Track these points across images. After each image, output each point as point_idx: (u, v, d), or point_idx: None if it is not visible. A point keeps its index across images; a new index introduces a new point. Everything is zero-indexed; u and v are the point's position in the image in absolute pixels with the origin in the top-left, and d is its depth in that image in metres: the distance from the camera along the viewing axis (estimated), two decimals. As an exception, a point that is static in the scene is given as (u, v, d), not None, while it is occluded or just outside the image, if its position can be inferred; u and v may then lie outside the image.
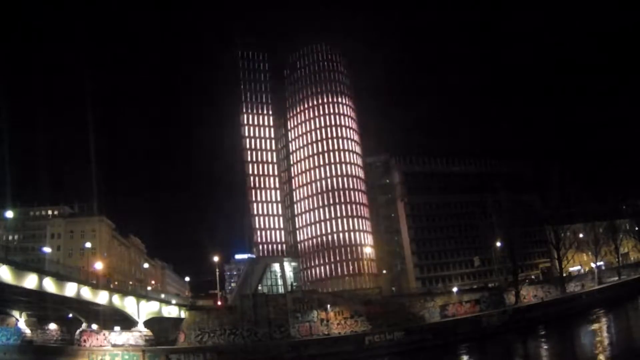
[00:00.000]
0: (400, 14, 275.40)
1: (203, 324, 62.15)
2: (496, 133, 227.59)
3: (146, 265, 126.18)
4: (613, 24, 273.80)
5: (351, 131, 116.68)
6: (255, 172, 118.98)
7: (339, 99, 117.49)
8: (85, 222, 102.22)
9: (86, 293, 48.57)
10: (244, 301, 66.70)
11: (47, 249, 73.89)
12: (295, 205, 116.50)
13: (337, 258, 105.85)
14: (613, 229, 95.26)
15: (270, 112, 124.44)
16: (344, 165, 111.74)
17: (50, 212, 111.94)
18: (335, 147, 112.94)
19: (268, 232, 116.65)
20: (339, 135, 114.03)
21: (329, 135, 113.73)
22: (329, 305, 65.93)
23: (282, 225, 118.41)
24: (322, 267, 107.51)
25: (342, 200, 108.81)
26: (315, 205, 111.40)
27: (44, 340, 61.29)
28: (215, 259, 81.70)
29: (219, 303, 77.78)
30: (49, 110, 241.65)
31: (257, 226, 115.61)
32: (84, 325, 57.22)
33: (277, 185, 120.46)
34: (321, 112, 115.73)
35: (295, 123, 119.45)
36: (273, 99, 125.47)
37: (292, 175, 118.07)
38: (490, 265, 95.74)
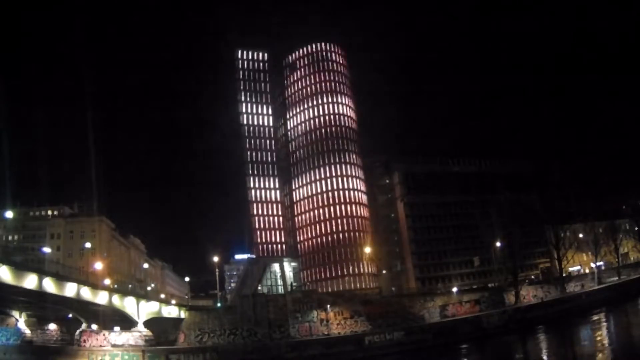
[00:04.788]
0: (401, 14, 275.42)
1: (203, 324, 62.18)
2: (496, 133, 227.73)
3: (146, 265, 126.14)
4: (613, 23, 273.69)
5: (351, 131, 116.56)
6: (255, 172, 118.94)
7: (339, 99, 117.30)
8: (85, 222, 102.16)
9: (86, 293, 48.59)
10: (244, 301, 66.66)
11: (47, 249, 73.86)
12: (295, 205, 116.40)
13: (337, 258, 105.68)
14: (613, 229, 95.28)
15: (270, 112, 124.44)
16: (344, 165, 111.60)
17: (50, 212, 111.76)
18: (335, 147, 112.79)
19: (268, 232, 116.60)
20: (339, 135, 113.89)
21: (329, 135, 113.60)
22: (328, 306, 65.94)
23: (282, 225, 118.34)
24: (322, 267, 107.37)
25: (342, 200, 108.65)
26: (315, 205, 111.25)
27: (43, 340, 61.29)
28: (215, 259, 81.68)
29: (219, 304, 77.84)
30: (49, 110, 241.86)
31: (256, 226, 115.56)
32: (83, 326, 57.20)
33: (277, 185, 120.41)
34: (321, 112, 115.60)
35: (295, 123, 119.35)
36: (273, 99, 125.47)
37: (292, 175, 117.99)
38: (490, 265, 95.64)
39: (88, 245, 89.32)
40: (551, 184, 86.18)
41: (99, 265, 66.54)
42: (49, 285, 43.64)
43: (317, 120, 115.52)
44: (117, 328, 57.23)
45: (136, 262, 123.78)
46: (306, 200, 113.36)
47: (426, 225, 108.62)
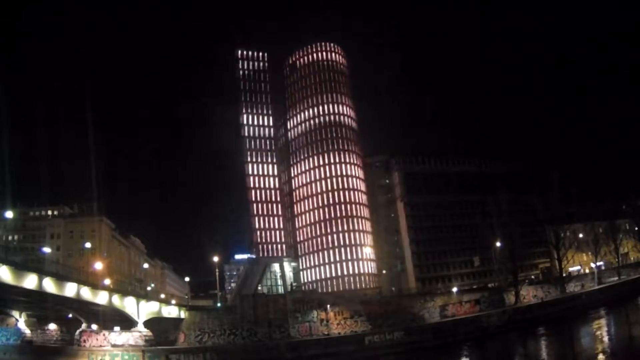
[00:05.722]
0: (401, 14, 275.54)
1: (203, 324, 62.21)
2: (496, 133, 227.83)
3: (146, 265, 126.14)
4: (613, 24, 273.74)
5: (351, 131, 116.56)
6: (255, 172, 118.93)
7: (339, 99, 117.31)
8: (85, 222, 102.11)
9: (86, 293, 48.56)
10: (244, 301, 66.69)
11: (46, 249, 73.82)
12: (295, 206, 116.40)
13: (337, 258, 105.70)
14: (613, 229, 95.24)
15: (270, 112, 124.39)
16: (344, 165, 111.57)
17: (50, 212, 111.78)
18: (335, 147, 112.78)
19: (268, 232, 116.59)
20: (339, 135, 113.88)
21: (329, 135, 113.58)
22: (328, 306, 65.95)
23: (282, 226, 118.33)
24: (322, 267, 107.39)
25: (342, 200, 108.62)
26: (315, 206, 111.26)
27: (43, 340, 61.25)
28: (215, 259, 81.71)
29: (219, 304, 77.83)
30: (49, 110, 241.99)
31: (256, 226, 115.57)
32: (83, 326, 57.20)
33: (277, 185, 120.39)
34: (321, 112, 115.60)
35: (295, 123, 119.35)
36: (273, 99, 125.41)
37: (292, 175, 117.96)
38: (490, 265, 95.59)
39: (88, 245, 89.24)
40: (551, 183, 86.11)
41: (99, 265, 66.57)
42: (49, 285, 43.61)
43: (317, 120, 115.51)
44: (117, 328, 57.22)
45: (136, 262, 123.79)
46: (306, 201, 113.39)
47: (426, 225, 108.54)
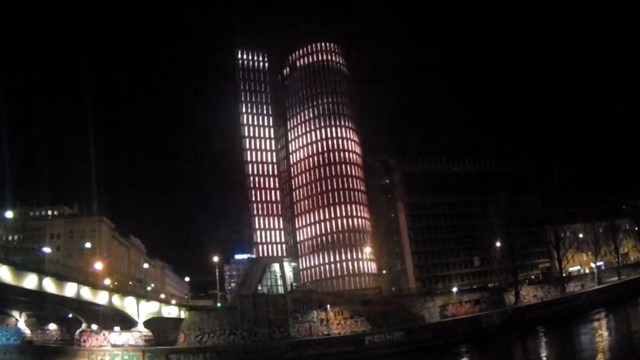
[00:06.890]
0: (401, 14, 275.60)
1: (203, 324, 62.17)
2: (496, 133, 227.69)
3: (146, 266, 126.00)
4: (613, 24, 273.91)
5: (351, 131, 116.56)
6: (255, 172, 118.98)
7: (339, 99, 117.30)
8: (85, 222, 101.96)
9: (86, 293, 48.57)
10: (244, 301, 66.62)
11: (47, 249, 73.58)
12: (295, 205, 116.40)
13: (337, 258, 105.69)
14: (613, 229, 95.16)
15: (270, 112, 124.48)
16: (344, 165, 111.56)
17: (50, 213, 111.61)
18: (335, 147, 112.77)
19: (268, 232, 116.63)
20: (339, 135, 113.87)
21: (329, 135, 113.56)
22: (328, 306, 65.94)
23: (281, 225, 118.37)
24: (322, 267, 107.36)
25: (342, 200, 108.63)
26: (315, 206, 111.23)
27: (43, 340, 61.30)
28: (215, 259, 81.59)
29: (219, 304, 77.76)
30: (49, 110, 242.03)
31: (256, 226, 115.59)
32: (83, 326, 57.20)
33: (277, 185, 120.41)
34: (321, 112, 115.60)
35: (295, 123, 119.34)
36: (273, 99, 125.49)
37: (292, 175, 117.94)
38: (490, 265, 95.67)
39: (88, 245, 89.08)
40: (551, 184, 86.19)
41: (99, 265, 66.41)
42: (49, 285, 43.60)
43: (317, 119, 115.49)
44: (117, 328, 57.22)
45: (136, 262, 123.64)
46: (306, 200, 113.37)
47: (426, 225, 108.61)
